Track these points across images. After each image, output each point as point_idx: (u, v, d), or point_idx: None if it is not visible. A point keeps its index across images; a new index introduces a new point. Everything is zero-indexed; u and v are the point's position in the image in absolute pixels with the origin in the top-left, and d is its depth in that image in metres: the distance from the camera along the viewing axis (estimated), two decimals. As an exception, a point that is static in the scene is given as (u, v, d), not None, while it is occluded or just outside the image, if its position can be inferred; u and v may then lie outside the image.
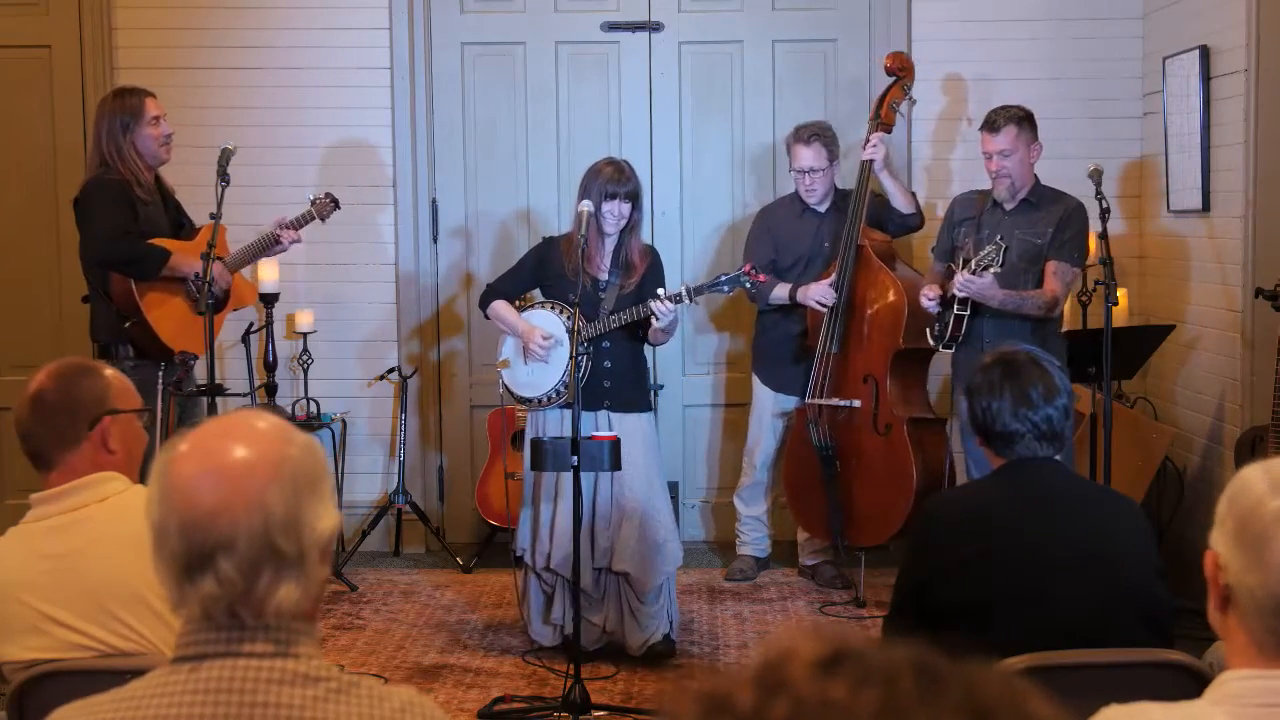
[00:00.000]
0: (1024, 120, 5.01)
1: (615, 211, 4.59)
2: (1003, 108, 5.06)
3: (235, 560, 1.50)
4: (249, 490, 1.51)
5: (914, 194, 5.63)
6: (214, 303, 4.86)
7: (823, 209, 5.56)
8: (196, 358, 4.72)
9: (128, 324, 4.74)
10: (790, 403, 5.63)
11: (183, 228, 4.97)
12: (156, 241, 4.74)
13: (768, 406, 5.66)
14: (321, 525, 1.55)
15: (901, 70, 5.52)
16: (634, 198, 4.63)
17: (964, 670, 0.90)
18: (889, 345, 5.31)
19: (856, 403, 5.34)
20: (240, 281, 5.07)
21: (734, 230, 6.16)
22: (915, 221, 5.58)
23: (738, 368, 6.21)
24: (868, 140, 5.44)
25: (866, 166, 5.42)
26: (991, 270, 4.76)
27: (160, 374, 4.70)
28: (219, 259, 4.87)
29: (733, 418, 6.22)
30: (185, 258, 4.77)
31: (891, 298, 5.33)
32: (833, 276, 5.39)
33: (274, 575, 1.51)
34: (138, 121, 4.80)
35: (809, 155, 5.45)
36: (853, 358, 5.40)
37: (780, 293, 5.43)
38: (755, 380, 5.72)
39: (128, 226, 4.71)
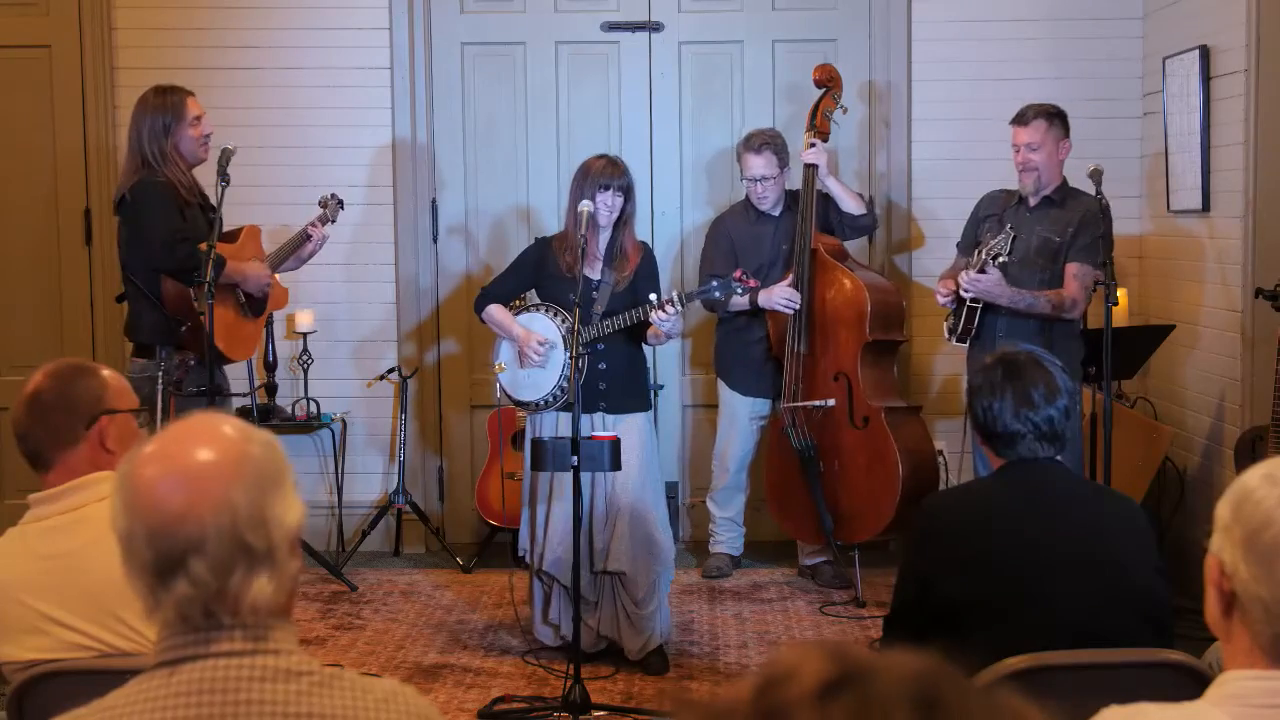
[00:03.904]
0: (1054, 116, 5.04)
1: (608, 203, 4.60)
2: (1035, 104, 5.10)
3: (206, 560, 1.50)
4: (214, 490, 1.51)
5: (862, 196, 5.71)
6: (253, 305, 4.90)
7: (776, 213, 5.61)
8: (199, 360, 4.70)
9: (184, 329, 4.70)
10: (765, 405, 5.68)
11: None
12: (206, 248, 4.68)
13: (741, 411, 5.70)
14: (288, 518, 1.56)
15: (830, 81, 5.61)
16: (626, 190, 4.64)
17: (967, 699, 0.89)
18: (857, 340, 5.39)
19: (831, 401, 5.39)
20: (275, 284, 5.07)
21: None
22: (867, 221, 5.68)
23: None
24: (807, 148, 5.51)
25: (810, 173, 5.48)
26: (1000, 259, 4.76)
27: (160, 373, 4.69)
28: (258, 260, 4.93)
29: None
30: (238, 264, 4.76)
31: (852, 294, 5.41)
32: (790, 278, 5.45)
33: (246, 571, 1.51)
34: (179, 121, 4.76)
35: (760, 164, 5.51)
36: (821, 358, 5.46)
37: (741, 300, 5.45)
38: (721, 386, 5.77)
39: (185, 232, 4.66)
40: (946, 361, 6.03)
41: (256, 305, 4.98)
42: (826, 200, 5.57)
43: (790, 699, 0.88)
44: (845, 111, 5.70)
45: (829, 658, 0.90)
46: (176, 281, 4.69)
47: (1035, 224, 4.99)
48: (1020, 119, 5.05)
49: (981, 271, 4.81)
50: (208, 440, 1.55)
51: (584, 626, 4.59)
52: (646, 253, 4.80)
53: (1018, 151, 5.03)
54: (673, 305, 4.47)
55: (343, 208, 5.33)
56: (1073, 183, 5.19)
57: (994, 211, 5.16)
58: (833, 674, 0.89)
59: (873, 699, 0.87)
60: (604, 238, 4.68)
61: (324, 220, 5.18)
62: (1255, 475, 1.64)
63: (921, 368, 6.13)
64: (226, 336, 4.75)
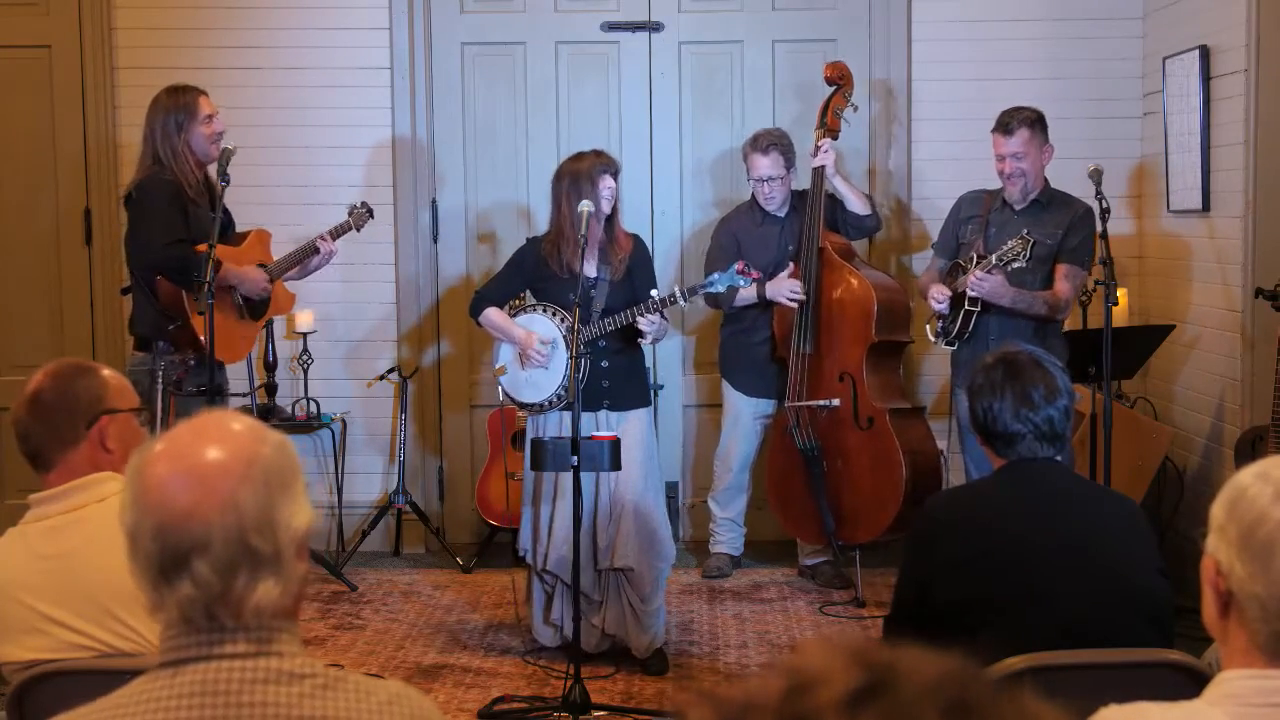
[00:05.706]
0: (1036, 123, 5.02)
1: (610, 185, 4.63)
2: (1015, 109, 5.06)
3: (210, 561, 1.49)
4: (222, 490, 1.51)
5: (869, 196, 5.69)
6: (253, 309, 4.89)
7: (782, 214, 5.60)
8: (199, 359, 4.70)
9: (173, 326, 4.73)
10: (769, 406, 5.67)
11: (226, 229, 4.93)
12: (206, 249, 4.66)
13: (745, 412, 5.70)
14: (296, 522, 1.55)
15: (841, 79, 5.60)
16: (618, 173, 4.69)
17: (996, 704, 0.89)
18: (862, 341, 5.38)
19: (836, 401, 5.38)
20: (280, 289, 5.07)
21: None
22: (871, 223, 5.66)
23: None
24: (817, 147, 5.49)
25: (819, 173, 5.47)
26: (1015, 265, 4.77)
27: (160, 370, 4.70)
28: (263, 266, 4.94)
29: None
30: (236, 268, 4.76)
31: (859, 294, 5.40)
32: (795, 273, 5.44)
33: (250, 575, 1.51)
34: (191, 120, 4.79)
35: (767, 164, 5.50)
36: (827, 357, 5.45)
37: (747, 293, 5.43)
38: (726, 386, 5.77)
39: (182, 233, 4.69)
40: (946, 362, 6.02)
41: (255, 308, 4.98)
42: (832, 200, 5.55)
43: (820, 705, 0.88)
44: (856, 109, 5.69)
45: (856, 662, 0.90)
46: (169, 281, 4.72)
47: (1023, 227, 4.98)
48: (1004, 129, 5.02)
49: (988, 273, 4.82)
50: (219, 439, 1.55)
51: (589, 626, 4.60)
52: (638, 241, 4.82)
53: (1002, 160, 5.02)
54: (669, 302, 4.49)
55: (372, 216, 5.35)
56: (1070, 183, 5.19)
57: (977, 213, 5.16)
58: (862, 680, 0.88)
59: (903, 706, 0.87)
60: (600, 229, 4.69)
61: (337, 233, 5.15)
62: (1248, 474, 1.65)
63: (921, 368, 6.13)
64: (219, 338, 4.74)
